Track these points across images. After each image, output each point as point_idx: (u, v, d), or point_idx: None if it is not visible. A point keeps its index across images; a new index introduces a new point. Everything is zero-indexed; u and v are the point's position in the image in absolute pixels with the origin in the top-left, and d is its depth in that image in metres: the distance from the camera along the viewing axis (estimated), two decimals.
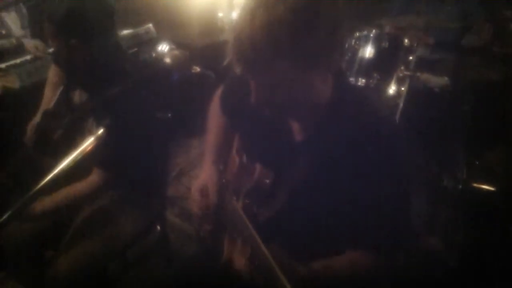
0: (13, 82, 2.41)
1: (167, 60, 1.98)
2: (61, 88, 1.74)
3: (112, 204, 1.73)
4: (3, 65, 2.50)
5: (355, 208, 1.00)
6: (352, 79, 2.74)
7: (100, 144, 0.94)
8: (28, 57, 2.65)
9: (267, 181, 1.19)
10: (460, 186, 2.41)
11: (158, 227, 1.93)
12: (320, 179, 1.05)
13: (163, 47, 3.12)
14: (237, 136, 1.39)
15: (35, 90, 2.08)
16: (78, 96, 1.69)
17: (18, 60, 2.59)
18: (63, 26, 1.44)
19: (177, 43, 3.23)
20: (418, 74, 2.65)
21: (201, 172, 1.41)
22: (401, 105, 2.53)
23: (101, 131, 0.93)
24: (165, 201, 1.95)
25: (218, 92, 1.48)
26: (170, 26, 3.61)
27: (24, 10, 3.00)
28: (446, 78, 2.79)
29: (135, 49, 2.96)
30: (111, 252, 1.67)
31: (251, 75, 0.97)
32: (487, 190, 2.29)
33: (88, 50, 1.49)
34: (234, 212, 1.24)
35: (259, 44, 0.86)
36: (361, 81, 2.77)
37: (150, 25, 3.19)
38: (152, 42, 3.12)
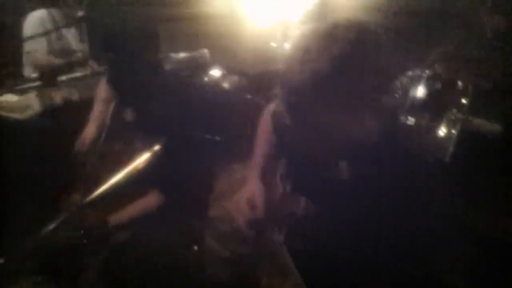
0: (73, 94, 2.55)
1: (225, 84, 2.04)
2: (112, 105, 1.84)
3: (153, 219, 1.77)
4: (64, 78, 2.65)
5: (395, 250, 0.98)
6: (401, 118, 2.71)
7: (154, 162, 0.98)
8: (88, 71, 2.81)
9: (309, 214, 1.19)
10: (498, 236, 2.31)
11: (196, 247, 1.94)
12: (363, 218, 1.04)
13: (215, 72, 3.21)
14: (283, 162, 1.39)
15: (93, 103, 2.20)
16: (128, 113, 1.76)
17: (79, 74, 2.75)
18: (104, 42, 1.57)
19: (229, 69, 3.32)
20: (471, 118, 2.58)
21: (246, 186, 1.40)
22: (450, 148, 2.47)
23: (156, 147, 0.97)
24: (204, 222, 1.97)
25: (270, 107, 1.48)
26: (224, 52, 3.70)
27: (83, 25, 3.19)
28: (499, 125, 2.71)
29: (189, 72, 3.07)
30: (148, 265, 1.69)
31: (300, 112, 0.97)
32: None
33: (126, 66, 1.59)
34: (273, 241, 1.23)
35: (310, 83, 0.87)
36: (411, 121, 2.73)
37: (206, 50, 3.29)
38: (206, 66, 3.21)
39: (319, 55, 0.86)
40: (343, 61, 0.86)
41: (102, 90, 2.06)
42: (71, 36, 3.15)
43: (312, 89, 0.87)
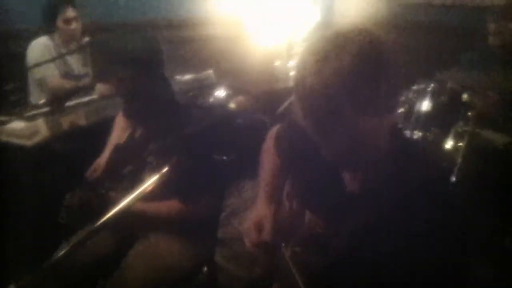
0: (81, 119, 2.58)
1: (232, 105, 2.06)
2: (129, 130, 1.87)
3: (165, 239, 1.77)
4: (72, 103, 2.69)
5: (409, 266, 0.97)
6: (407, 132, 2.70)
7: (163, 183, 0.99)
8: (95, 96, 2.84)
9: (319, 230, 1.18)
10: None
11: (205, 268, 1.93)
12: (373, 232, 1.03)
13: (221, 93, 3.24)
14: (288, 180, 1.39)
15: (100, 127, 2.22)
16: (142, 137, 1.80)
17: (85, 99, 2.79)
18: (108, 64, 1.60)
19: (235, 89, 3.34)
20: (478, 130, 2.57)
21: (254, 208, 1.41)
22: (459, 161, 2.45)
23: (165, 169, 0.98)
24: (215, 242, 1.96)
25: (273, 131, 1.50)
26: (229, 73, 3.74)
27: (88, 49, 3.23)
28: (507, 136, 2.68)
29: (195, 93, 3.10)
30: (160, 285, 1.69)
31: (316, 126, 0.97)
32: None
33: (133, 84, 1.61)
34: (281, 260, 1.23)
35: (326, 94, 0.87)
36: (417, 135, 2.72)
37: (211, 71, 3.33)
38: (211, 87, 3.24)
39: (336, 54, 0.87)
40: (362, 60, 0.87)
41: (120, 119, 2.09)
42: (74, 61, 3.20)
43: (331, 88, 0.87)
